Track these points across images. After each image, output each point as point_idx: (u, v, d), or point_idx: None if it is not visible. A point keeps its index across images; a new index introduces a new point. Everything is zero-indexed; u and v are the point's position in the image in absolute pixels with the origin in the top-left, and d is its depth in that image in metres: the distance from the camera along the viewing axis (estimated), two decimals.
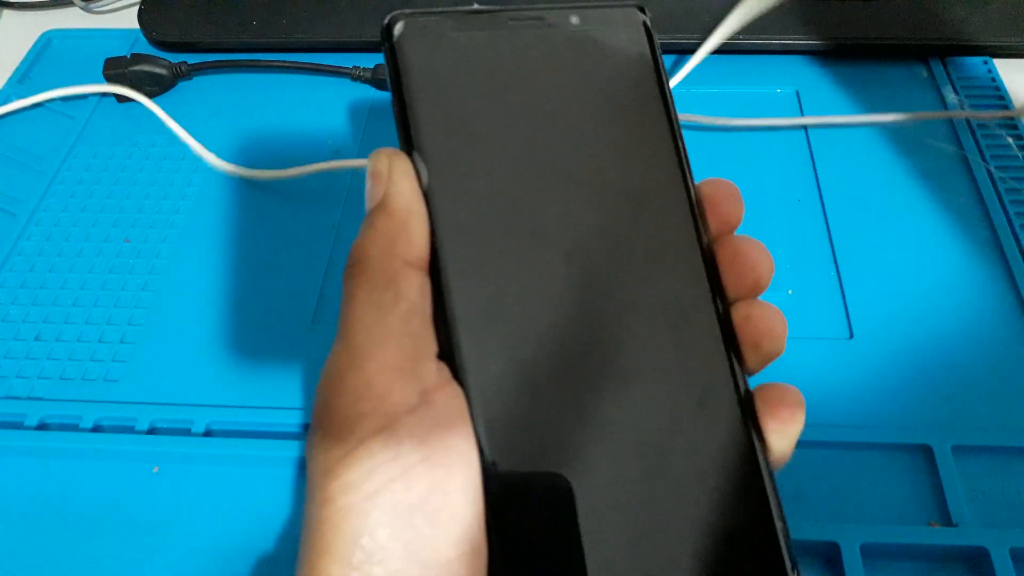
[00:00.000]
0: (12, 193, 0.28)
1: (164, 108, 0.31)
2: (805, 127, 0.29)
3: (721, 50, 0.31)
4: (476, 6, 0.14)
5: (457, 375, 0.12)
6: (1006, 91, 0.29)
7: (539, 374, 0.12)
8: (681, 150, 0.14)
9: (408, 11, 0.14)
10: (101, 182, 0.28)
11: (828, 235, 0.26)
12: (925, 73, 0.30)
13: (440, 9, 0.14)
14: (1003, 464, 0.20)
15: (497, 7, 0.14)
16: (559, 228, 0.13)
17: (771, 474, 0.13)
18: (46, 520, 0.20)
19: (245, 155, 0.29)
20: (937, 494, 0.20)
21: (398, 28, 0.14)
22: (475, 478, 0.11)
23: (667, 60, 0.31)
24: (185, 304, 0.25)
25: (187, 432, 0.22)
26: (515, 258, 0.13)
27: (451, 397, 0.12)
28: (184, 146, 0.29)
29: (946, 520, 0.19)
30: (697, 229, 0.14)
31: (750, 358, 0.13)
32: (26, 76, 0.32)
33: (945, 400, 0.22)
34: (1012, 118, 0.28)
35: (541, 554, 0.11)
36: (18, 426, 0.22)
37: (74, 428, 0.22)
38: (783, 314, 0.13)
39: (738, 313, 0.13)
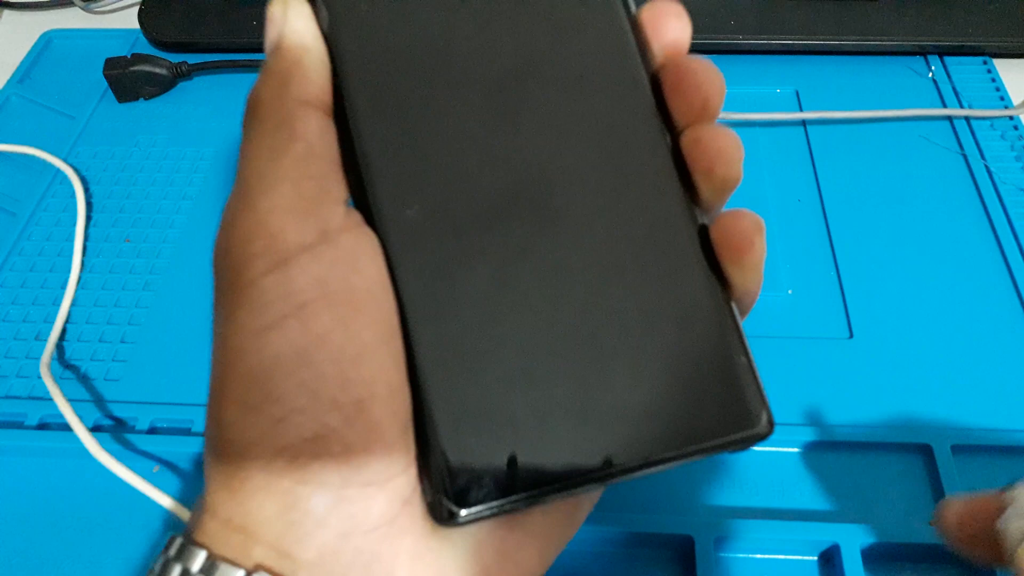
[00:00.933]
0: (12, 193, 0.28)
1: (164, 108, 0.31)
2: (804, 122, 0.29)
3: (721, 50, 0.31)
4: None
5: (370, 221, 0.11)
6: (1005, 90, 0.29)
7: (464, 214, 0.11)
8: None
9: None
10: (101, 182, 0.28)
11: (828, 235, 0.26)
12: (925, 73, 0.30)
13: None
14: (1003, 464, 0.20)
15: None
16: (481, 63, 0.12)
17: (731, 309, 0.11)
18: (47, 520, 0.20)
19: None
20: (937, 494, 0.20)
21: None
22: (388, 320, 0.11)
23: None
24: (185, 304, 0.25)
25: (188, 431, 0.22)
26: (432, 95, 0.12)
27: (359, 239, 0.11)
28: (184, 146, 0.29)
29: None
30: (640, 54, 0.12)
31: (704, 187, 0.12)
32: (26, 76, 0.32)
33: (945, 400, 0.22)
34: (1011, 117, 0.28)
35: (475, 404, 0.11)
36: (18, 426, 0.22)
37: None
38: (739, 138, 0.11)
39: (687, 138, 0.12)
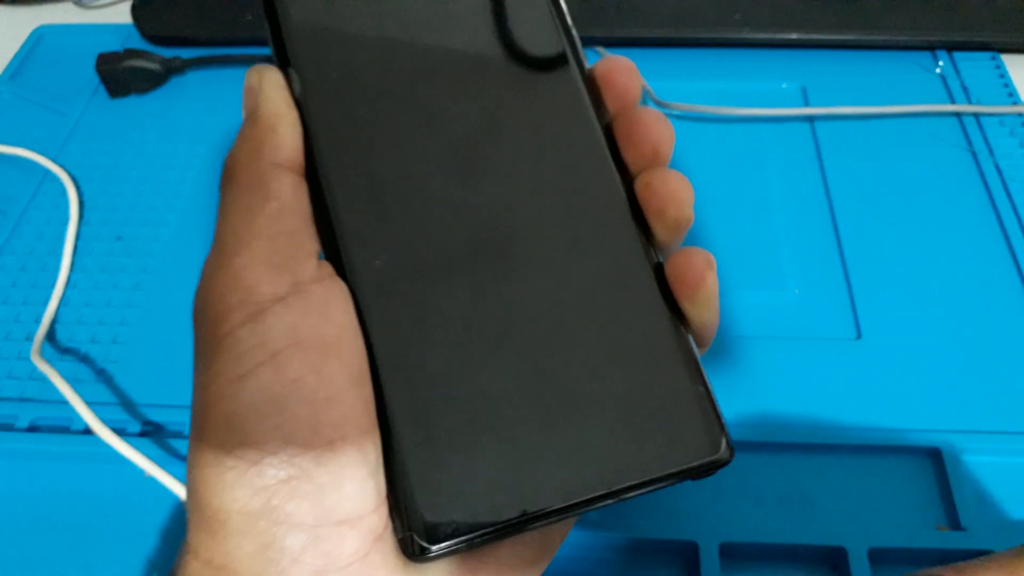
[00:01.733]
0: (3, 191, 0.28)
1: (157, 103, 0.30)
2: (810, 118, 0.28)
3: (726, 44, 0.30)
4: None
5: (341, 272, 0.12)
6: (1014, 87, 0.29)
7: (429, 263, 0.12)
8: (572, 38, 0.14)
9: None
10: (93, 179, 0.28)
11: (835, 233, 0.25)
12: (933, 69, 0.30)
13: None
14: (1013, 468, 0.20)
15: None
16: (442, 122, 0.13)
17: (687, 342, 0.12)
18: (38, 524, 0.20)
19: None
20: (946, 498, 0.20)
21: None
22: (358, 365, 0.11)
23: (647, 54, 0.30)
24: (178, 304, 0.24)
25: (180, 434, 0.21)
26: (397, 153, 0.13)
27: (330, 289, 0.12)
28: (178, 142, 0.29)
29: (955, 524, 0.19)
30: (594, 108, 0.13)
31: (658, 228, 0.12)
32: (18, 72, 0.32)
33: (955, 402, 0.21)
34: (1020, 114, 0.28)
35: (442, 442, 0.11)
36: (8, 428, 0.22)
37: (65, 430, 0.22)
38: (688, 180, 0.12)
39: (640, 183, 0.13)
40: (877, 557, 0.18)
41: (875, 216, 0.25)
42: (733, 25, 0.30)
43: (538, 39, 0.14)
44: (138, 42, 0.32)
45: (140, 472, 0.21)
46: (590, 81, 0.13)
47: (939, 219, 0.25)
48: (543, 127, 0.13)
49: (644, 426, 0.11)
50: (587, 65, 0.14)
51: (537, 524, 0.11)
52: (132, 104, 0.30)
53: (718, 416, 0.12)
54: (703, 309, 0.12)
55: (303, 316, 0.11)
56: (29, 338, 0.24)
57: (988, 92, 0.29)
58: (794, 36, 0.30)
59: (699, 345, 0.13)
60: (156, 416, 0.22)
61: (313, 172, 0.13)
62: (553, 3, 0.14)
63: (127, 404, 0.22)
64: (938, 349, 0.22)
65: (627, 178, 0.13)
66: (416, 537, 0.11)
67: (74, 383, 0.23)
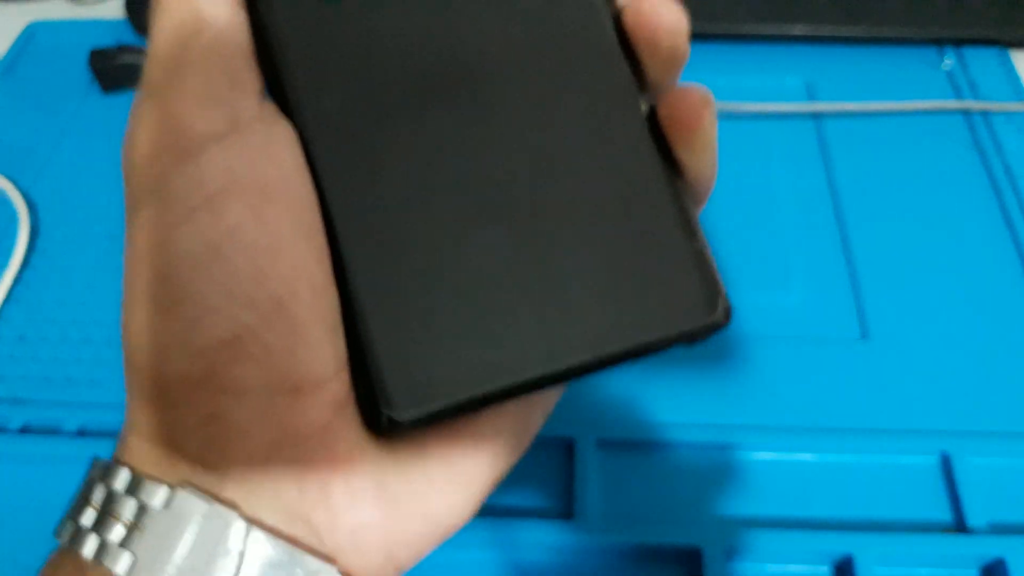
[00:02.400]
0: (4, 187, 0.27)
1: None
2: (815, 114, 0.28)
3: (730, 38, 0.30)
4: None
5: (287, 112, 0.10)
6: (1021, 83, 0.29)
7: (388, 98, 0.10)
8: None
9: None
10: (88, 176, 0.27)
11: (841, 231, 0.25)
12: (940, 64, 0.30)
13: None
14: (1021, 470, 0.20)
15: None
16: None
17: (682, 195, 0.11)
18: (30, 527, 0.20)
19: None
20: (953, 501, 0.19)
21: None
22: (306, 213, 0.10)
23: None
24: None
25: None
26: None
27: (273, 128, 0.10)
28: None
29: (961, 527, 0.19)
30: None
31: (649, 62, 0.11)
32: (11, 68, 0.31)
33: (962, 404, 0.21)
34: None
35: (410, 301, 0.10)
36: (1, 430, 0.21)
37: (57, 432, 0.21)
38: (683, 11, 0.11)
39: (628, 12, 0.11)
40: (884, 561, 0.18)
41: (881, 214, 0.25)
42: (737, 19, 0.29)
43: None
44: (132, 37, 0.31)
45: None
46: None
47: (946, 217, 0.25)
48: None
49: (632, 287, 0.10)
50: None
51: (517, 394, 0.10)
52: (126, 100, 0.30)
53: (714, 276, 0.10)
54: (700, 154, 0.11)
55: (242, 156, 0.10)
56: (22, 338, 0.23)
57: (996, 88, 0.28)
58: (799, 30, 0.29)
59: (696, 200, 0.11)
60: None
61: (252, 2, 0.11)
62: None
63: (120, 406, 0.22)
64: (945, 350, 0.22)
65: (614, 9, 0.11)
66: (384, 407, 0.10)
67: (68, 384, 0.22)
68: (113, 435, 0.21)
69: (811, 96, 0.29)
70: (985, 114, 0.28)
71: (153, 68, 0.10)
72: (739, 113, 0.28)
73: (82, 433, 0.21)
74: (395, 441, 0.10)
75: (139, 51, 0.30)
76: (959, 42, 0.30)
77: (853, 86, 0.28)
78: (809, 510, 0.19)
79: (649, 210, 0.10)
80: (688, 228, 0.10)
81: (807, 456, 0.20)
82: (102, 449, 0.21)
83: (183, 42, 0.10)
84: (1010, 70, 0.29)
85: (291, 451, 0.10)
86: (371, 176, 0.10)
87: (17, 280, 0.25)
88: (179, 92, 0.10)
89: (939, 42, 0.30)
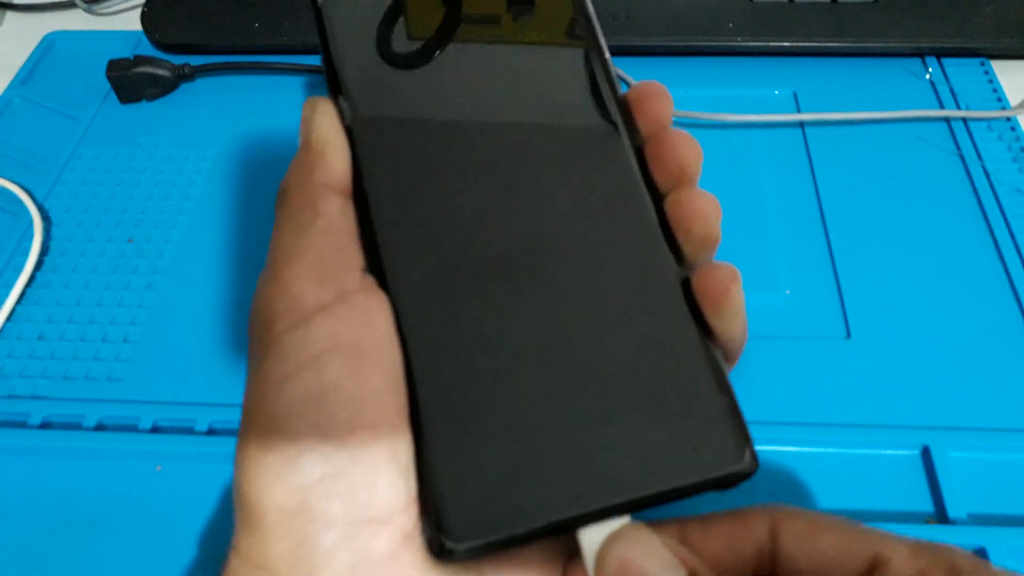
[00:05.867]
0: (16, 193, 0.28)
1: (167, 110, 0.31)
2: (802, 123, 0.29)
3: (719, 52, 0.31)
4: None
5: (383, 285, 0.13)
6: (1003, 92, 0.30)
7: (464, 276, 0.13)
8: (607, 65, 0.15)
9: None
10: (104, 183, 0.28)
11: (825, 235, 0.26)
12: (922, 75, 0.31)
13: None
14: (998, 463, 0.20)
15: None
16: (480, 142, 0.14)
17: (713, 354, 0.12)
18: (49, 519, 0.20)
19: (248, 157, 0.29)
20: (935, 493, 0.20)
21: None
22: (394, 370, 0.12)
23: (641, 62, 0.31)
24: (188, 303, 0.25)
25: (190, 431, 0.22)
26: (437, 176, 0.13)
27: (372, 299, 0.12)
28: (187, 147, 0.30)
29: (943, 518, 0.20)
30: (627, 132, 0.14)
31: (686, 244, 0.13)
32: (29, 78, 0.32)
33: (943, 399, 0.22)
34: (1008, 118, 0.29)
35: (471, 445, 0.12)
36: (21, 425, 0.22)
37: (77, 427, 0.22)
38: (717, 201, 0.13)
39: (669, 201, 0.13)
40: None
41: (865, 219, 0.26)
42: (726, 34, 0.30)
43: (577, 75, 0.14)
44: (148, 49, 0.33)
45: (152, 467, 0.21)
46: (623, 105, 0.14)
47: (928, 222, 0.26)
48: (578, 152, 0.14)
49: (670, 436, 0.12)
50: (620, 91, 0.14)
51: (560, 531, 0.11)
52: (142, 110, 0.31)
53: (743, 427, 0.12)
54: (729, 322, 0.12)
55: (344, 323, 0.12)
56: (41, 337, 0.24)
57: (977, 97, 0.29)
58: (786, 44, 0.30)
59: (728, 359, 0.13)
60: (167, 414, 0.22)
61: (360, 193, 0.13)
62: (590, 34, 0.15)
63: (138, 402, 0.23)
64: (926, 348, 0.23)
65: (657, 197, 0.13)
66: (441, 536, 0.11)
67: (87, 381, 0.23)
68: (130, 430, 0.22)
69: (798, 107, 0.30)
70: (966, 122, 0.29)
71: (276, 249, 0.13)
72: (729, 123, 0.29)
73: (100, 428, 0.22)
74: (453, 566, 0.12)
75: (155, 62, 0.31)
76: (942, 53, 0.31)
77: (838, 97, 0.29)
78: (795, 500, 0.20)
79: (685, 369, 0.12)
80: (720, 384, 0.12)
81: (793, 449, 0.21)
82: (119, 443, 0.21)
83: (301, 229, 0.13)
84: (992, 79, 0.30)
85: (366, 572, 0.11)
86: (446, 340, 0.12)
87: (34, 283, 0.26)
88: (296, 270, 0.12)
89: (922, 53, 0.31)
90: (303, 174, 0.13)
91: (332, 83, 0.14)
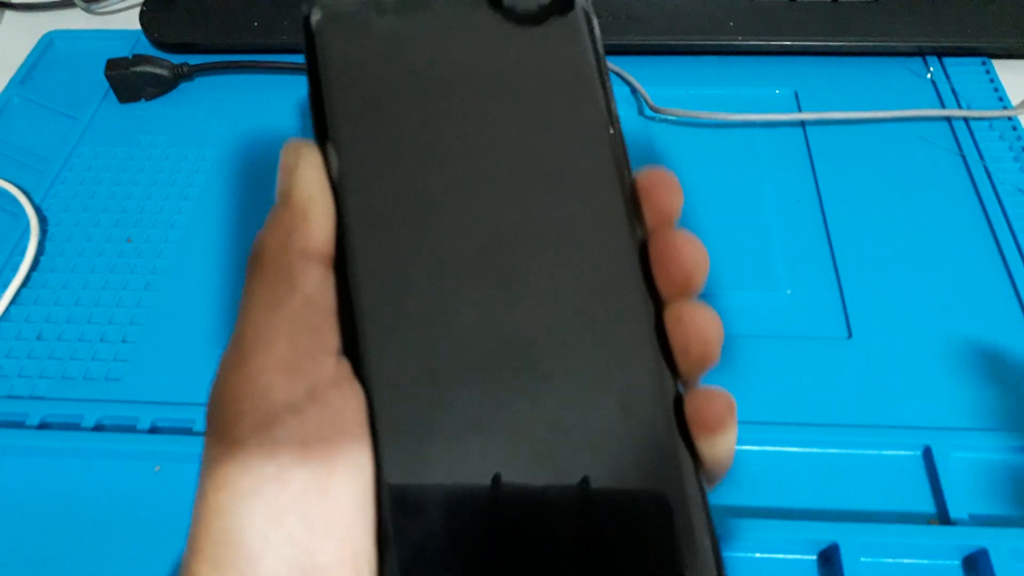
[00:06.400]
0: (13, 194, 0.28)
1: (166, 109, 0.31)
2: (803, 123, 0.29)
3: (720, 51, 0.31)
4: None
5: (358, 372, 0.12)
6: (1004, 91, 0.29)
7: (449, 375, 0.11)
8: (617, 140, 0.13)
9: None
10: (103, 182, 0.28)
11: (826, 234, 0.26)
12: (923, 74, 0.31)
13: None
14: (999, 464, 0.20)
15: None
16: (478, 222, 0.12)
17: (699, 482, 0.12)
18: (48, 519, 0.20)
19: (247, 157, 0.29)
20: (936, 493, 0.20)
21: (315, 16, 0.13)
22: (364, 482, 0.11)
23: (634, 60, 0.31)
24: (187, 303, 0.25)
25: (189, 431, 0.22)
26: (428, 252, 0.12)
27: (346, 396, 0.11)
28: (186, 146, 0.29)
29: (944, 519, 0.20)
30: (630, 223, 0.13)
31: (682, 363, 0.12)
32: (28, 77, 0.32)
33: (944, 399, 0.22)
34: (1010, 117, 0.29)
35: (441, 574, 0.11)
36: (20, 425, 0.22)
37: (76, 427, 0.22)
38: (720, 320, 0.12)
39: (670, 315, 0.12)
40: (869, 552, 0.19)
41: (866, 218, 0.26)
42: (727, 32, 0.30)
43: (584, 137, 0.13)
44: (146, 48, 0.32)
45: (150, 467, 0.21)
46: (631, 190, 0.13)
47: (929, 221, 0.26)
48: (580, 240, 0.12)
49: (648, 570, 0.11)
50: (630, 173, 0.13)
51: None
52: (141, 109, 0.31)
53: (717, 557, 0.11)
54: (719, 451, 0.12)
55: (315, 429, 0.11)
56: (40, 337, 0.24)
57: (978, 97, 0.29)
58: (787, 43, 0.30)
59: (709, 480, 0.12)
60: (166, 414, 0.22)
61: (342, 261, 0.12)
62: (603, 89, 0.13)
63: (136, 402, 0.22)
64: (927, 348, 0.23)
65: (656, 300, 0.12)
66: None
67: (85, 381, 0.23)
68: (128, 430, 0.22)
69: (799, 106, 0.30)
70: (967, 121, 0.29)
71: (245, 328, 0.11)
72: (731, 123, 0.29)
73: (99, 428, 0.22)
74: None
75: (153, 61, 0.31)
76: (943, 52, 0.31)
77: (839, 96, 0.29)
78: (797, 501, 0.20)
79: (668, 500, 0.11)
80: (702, 521, 0.11)
81: (795, 449, 0.21)
82: (117, 443, 0.21)
83: (275, 306, 0.11)
84: (993, 79, 0.30)
85: None
86: (429, 451, 0.11)
87: (30, 284, 0.25)
88: (265, 359, 0.11)
89: (923, 53, 0.31)
90: (281, 236, 0.12)
91: (319, 127, 0.13)
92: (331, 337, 0.12)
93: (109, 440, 0.21)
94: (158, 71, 0.30)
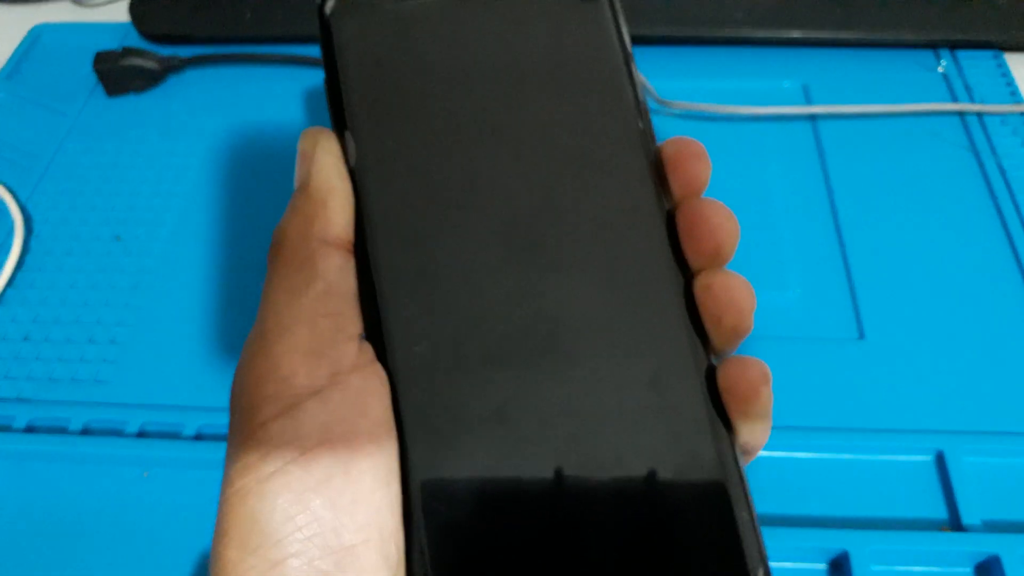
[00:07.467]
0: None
1: (155, 102, 0.30)
2: (812, 116, 0.28)
3: (728, 42, 0.30)
4: None
5: (381, 356, 0.12)
6: (1016, 86, 0.29)
7: (473, 355, 0.11)
8: (642, 115, 0.13)
9: None
10: (91, 179, 0.28)
11: (837, 231, 0.25)
12: (935, 67, 0.30)
13: None
14: (1015, 469, 0.20)
15: None
16: (498, 204, 0.12)
17: (735, 457, 0.11)
18: (34, 526, 0.20)
19: (238, 152, 0.28)
20: (949, 499, 0.20)
21: (329, 3, 0.13)
22: (388, 464, 0.11)
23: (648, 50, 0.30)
24: (177, 304, 0.24)
25: (177, 435, 0.21)
26: (449, 235, 0.12)
27: (368, 378, 0.11)
28: (176, 140, 0.29)
29: (957, 525, 0.19)
30: (657, 194, 0.12)
31: (714, 334, 0.12)
32: (15, 71, 0.31)
33: (958, 403, 0.21)
34: (1022, 112, 0.28)
35: (468, 552, 0.11)
36: (6, 429, 0.21)
37: (63, 431, 0.21)
38: (752, 288, 0.12)
39: (699, 284, 0.12)
40: (880, 559, 0.18)
41: (877, 216, 0.25)
42: (735, 23, 0.30)
43: (609, 117, 0.13)
44: (136, 40, 0.32)
45: (138, 473, 0.21)
46: (656, 162, 0.13)
47: (941, 219, 0.25)
48: (604, 214, 0.12)
49: (688, 549, 0.11)
50: (654, 144, 0.13)
51: None
52: (130, 103, 0.30)
53: (759, 543, 0.11)
54: (755, 423, 0.11)
55: (337, 411, 0.11)
56: (26, 338, 0.24)
57: (991, 91, 0.29)
58: (796, 34, 0.30)
59: (745, 454, 0.12)
60: (154, 417, 0.22)
61: (362, 248, 0.12)
62: (628, 75, 0.13)
63: (124, 406, 0.22)
64: (941, 349, 0.22)
65: (686, 271, 0.12)
66: None
67: (72, 384, 0.22)
68: (116, 434, 0.21)
69: (808, 99, 0.29)
70: (980, 116, 0.28)
71: (268, 314, 0.11)
72: (738, 116, 0.28)
73: (86, 432, 0.22)
74: None
75: (143, 54, 0.30)
76: (954, 45, 0.30)
77: (849, 89, 0.29)
78: (806, 508, 0.20)
79: (706, 478, 0.11)
80: (741, 497, 0.11)
81: (804, 455, 0.20)
82: (105, 448, 0.21)
83: (297, 292, 0.11)
84: (1005, 73, 0.29)
85: None
86: (450, 429, 0.11)
87: (16, 284, 0.25)
88: (288, 344, 0.11)
89: (934, 45, 0.30)
90: (302, 225, 0.12)
91: (336, 114, 0.13)
92: (353, 322, 0.12)
93: (96, 444, 0.21)
94: (147, 64, 0.30)
